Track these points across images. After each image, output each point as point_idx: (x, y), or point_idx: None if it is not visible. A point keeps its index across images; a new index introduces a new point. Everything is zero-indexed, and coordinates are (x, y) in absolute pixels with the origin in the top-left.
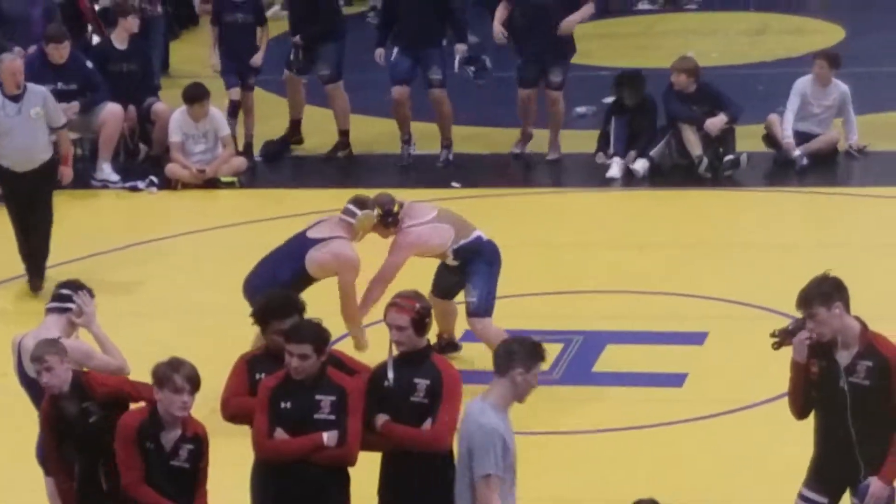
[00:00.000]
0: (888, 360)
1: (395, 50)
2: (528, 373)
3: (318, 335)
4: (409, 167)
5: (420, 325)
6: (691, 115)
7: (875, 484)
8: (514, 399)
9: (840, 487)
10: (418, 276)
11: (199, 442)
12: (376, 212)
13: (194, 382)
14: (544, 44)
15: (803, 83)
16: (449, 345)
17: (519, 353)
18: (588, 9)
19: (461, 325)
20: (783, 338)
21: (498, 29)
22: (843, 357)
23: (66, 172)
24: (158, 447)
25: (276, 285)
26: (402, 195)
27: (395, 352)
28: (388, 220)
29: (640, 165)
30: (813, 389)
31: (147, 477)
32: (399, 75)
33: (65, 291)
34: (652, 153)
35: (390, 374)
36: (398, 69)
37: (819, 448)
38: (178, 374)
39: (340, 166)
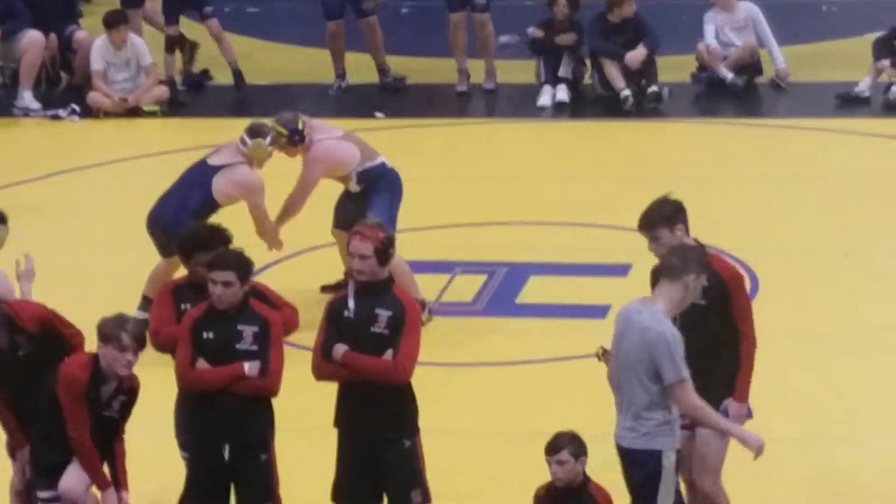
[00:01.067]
0: (725, 280)
1: None
2: (698, 279)
3: (241, 263)
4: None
5: (383, 254)
6: (611, 50)
7: (732, 405)
8: (681, 305)
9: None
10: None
11: (132, 394)
12: (271, 136)
13: (140, 341)
14: None
15: (711, 14)
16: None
17: (693, 260)
18: None
19: None
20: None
21: None
22: None
23: None
24: (97, 398)
25: (185, 214)
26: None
27: (355, 282)
28: (295, 139)
29: (563, 93)
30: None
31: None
32: (332, 9)
33: None
34: (575, 75)
35: (350, 304)
36: (330, 2)
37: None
38: (124, 333)
39: (265, 96)
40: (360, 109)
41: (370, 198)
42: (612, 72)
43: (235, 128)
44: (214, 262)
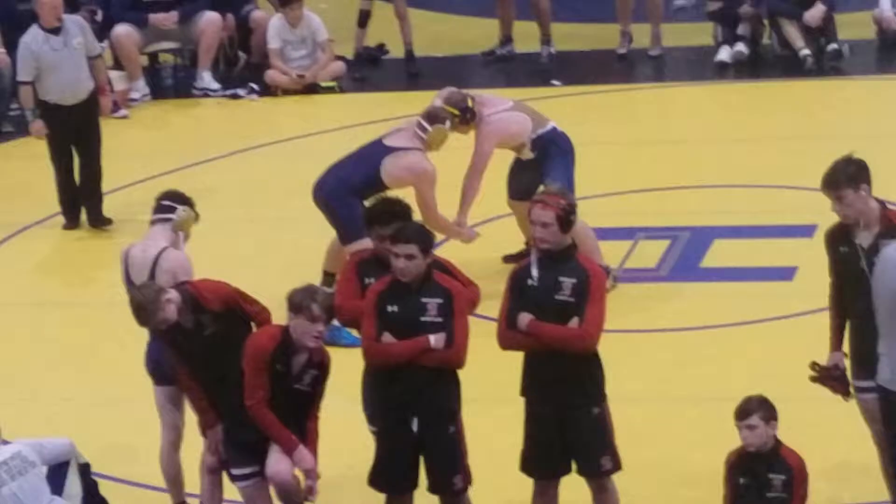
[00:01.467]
0: None
1: None
2: None
3: (423, 235)
4: (510, 64)
5: (565, 221)
6: (789, 10)
7: None
8: None
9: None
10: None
11: (323, 368)
12: (449, 120)
13: (330, 312)
14: None
15: None
16: None
17: None
18: None
19: None
20: (824, 381)
21: None
22: (864, 238)
23: (105, 103)
24: (287, 370)
25: (348, 189)
26: (504, 94)
27: (537, 250)
28: (467, 117)
29: (743, 49)
30: (836, 277)
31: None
32: None
33: (166, 203)
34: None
35: (534, 272)
36: None
37: (853, 333)
38: (315, 303)
39: (438, 67)
40: (533, 79)
41: (545, 164)
42: (791, 31)
43: (412, 101)
44: (396, 235)
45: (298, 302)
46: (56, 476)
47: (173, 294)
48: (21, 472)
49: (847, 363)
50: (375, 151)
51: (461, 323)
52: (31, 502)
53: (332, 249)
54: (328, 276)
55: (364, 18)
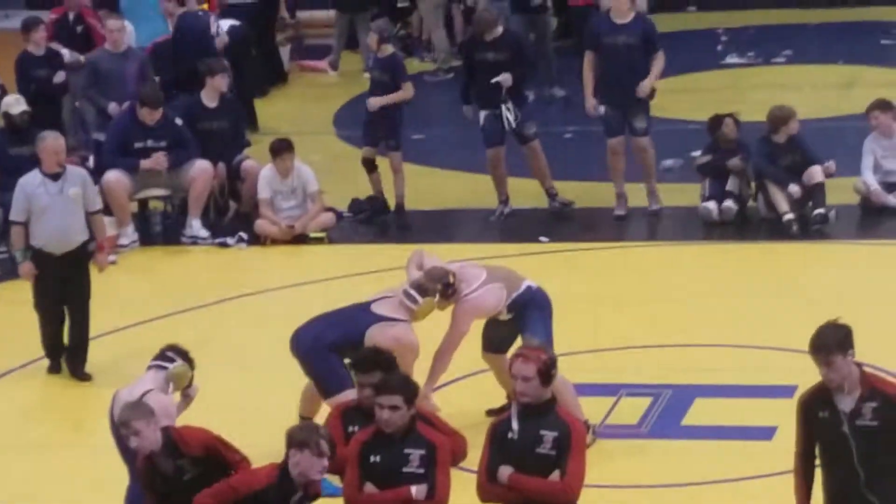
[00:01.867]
0: (893, 400)
1: (482, 113)
2: None
3: (407, 387)
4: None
5: (546, 375)
6: (777, 175)
7: None
8: None
9: None
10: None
11: (315, 499)
12: (439, 294)
13: (333, 448)
14: (626, 92)
15: (869, 142)
16: None
17: None
18: (660, 62)
19: None
20: None
21: (591, 103)
22: (846, 402)
23: (102, 260)
24: None
25: (326, 346)
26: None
27: (517, 404)
28: (448, 293)
29: (728, 204)
30: (807, 443)
31: None
32: (492, 137)
33: (169, 353)
34: (741, 193)
35: (514, 425)
36: (489, 131)
37: (830, 495)
38: (322, 439)
39: (431, 222)
40: (524, 234)
41: (523, 320)
42: (777, 195)
43: (402, 254)
44: (381, 386)
45: (305, 438)
46: None
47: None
48: None
49: None
50: (362, 317)
51: (443, 475)
52: None
53: (306, 393)
54: (303, 420)
55: (370, 166)
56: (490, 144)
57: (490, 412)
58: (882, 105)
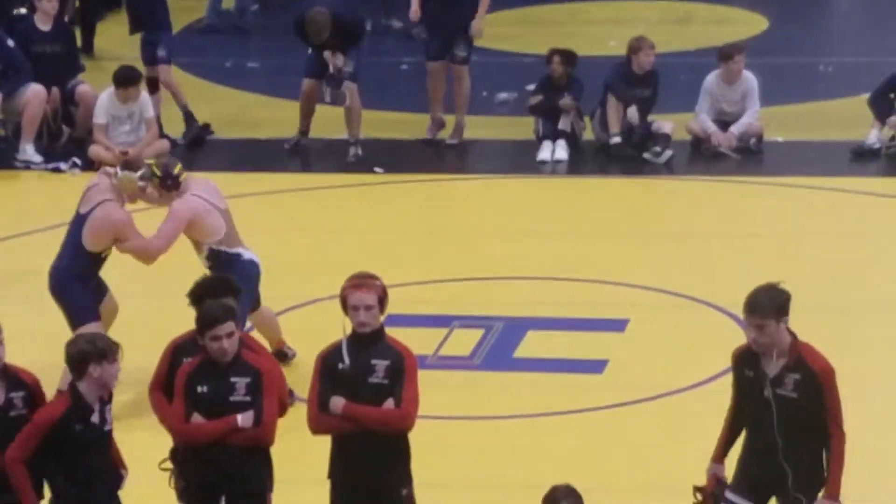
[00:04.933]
0: (816, 374)
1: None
2: None
3: (234, 312)
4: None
5: (384, 301)
6: (623, 93)
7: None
8: None
9: (766, 494)
10: None
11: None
12: (144, 171)
13: (119, 349)
14: (449, 21)
15: (710, 83)
16: (279, 353)
17: None
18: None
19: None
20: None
21: (415, 8)
22: (771, 368)
23: None
24: (88, 426)
25: (71, 272)
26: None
27: (350, 333)
28: (168, 183)
29: (563, 150)
30: (736, 396)
31: (85, 454)
32: (311, 69)
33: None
34: (574, 129)
35: (346, 357)
36: (311, 62)
37: (745, 453)
38: (112, 343)
39: (257, 150)
40: (360, 165)
41: None
42: (613, 115)
43: (236, 182)
44: (213, 318)
45: (103, 348)
46: None
47: None
48: None
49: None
50: (77, 225)
51: (270, 401)
52: None
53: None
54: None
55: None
56: (308, 75)
57: None
58: (740, 50)
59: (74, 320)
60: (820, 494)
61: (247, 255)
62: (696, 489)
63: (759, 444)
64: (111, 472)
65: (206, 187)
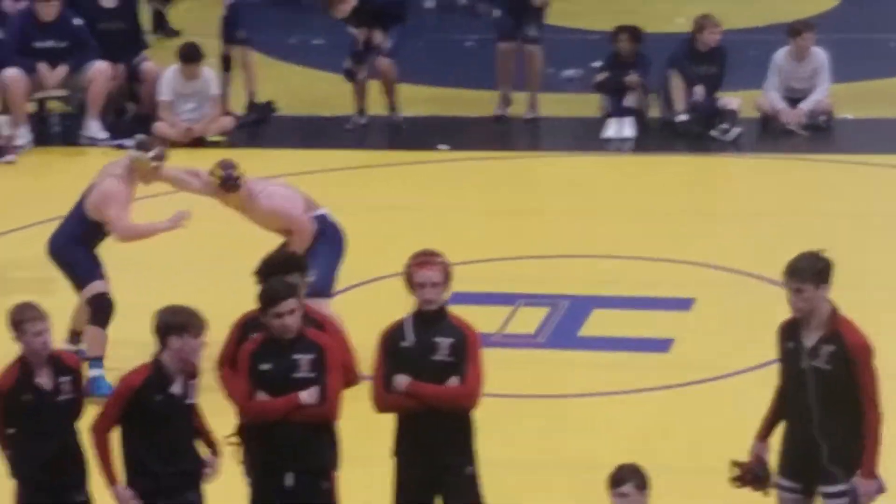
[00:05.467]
0: (849, 348)
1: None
2: None
3: (297, 289)
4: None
5: (449, 279)
6: (686, 70)
7: (860, 482)
8: None
9: (807, 469)
10: None
11: (198, 377)
12: (156, 151)
13: (206, 324)
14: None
15: (779, 59)
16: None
17: None
18: None
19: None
20: (745, 481)
21: None
22: (809, 339)
23: None
24: (171, 396)
25: (72, 237)
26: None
27: (414, 311)
28: (229, 185)
29: (629, 127)
30: (781, 371)
31: (165, 426)
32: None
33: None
34: (640, 107)
35: (410, 335)
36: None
37: (785, 430)
38: (197, 318)
39: (321, 127)
40: (422, 142)
41: (311, 249)
42: (678, 92)
43: (297, 158)
44: (275, 295)
45: (185, 321)
46: None
47: None
48: None
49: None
50: (83, 195)
51: (334, 377)
52: None
53: (78, 309)
54: (73, 335)
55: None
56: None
57: None
58: (810, 27)
59: (79, 279)
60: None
61: (330, 216)
62: (735, 463)
63: (796, 416)
64: (192, 454)
65: (262, 180)
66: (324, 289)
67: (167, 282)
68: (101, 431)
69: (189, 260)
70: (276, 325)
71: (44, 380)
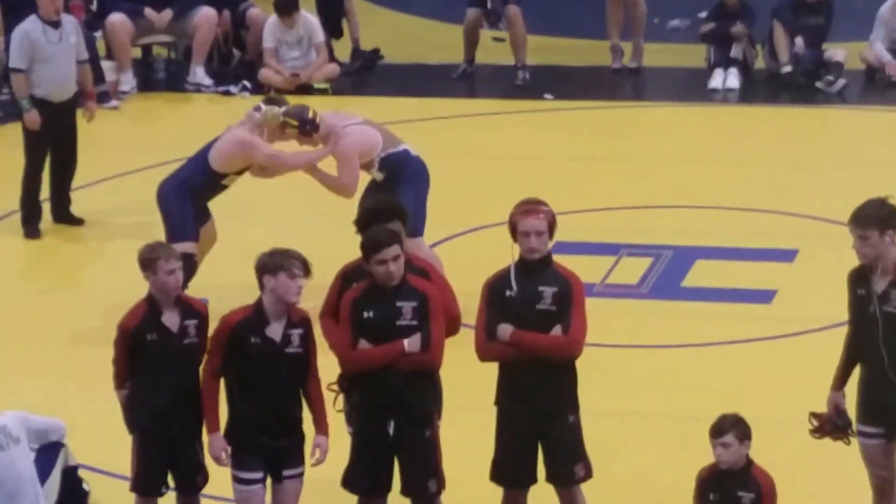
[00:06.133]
0: None
1: None
2: None
3: (395, 233)
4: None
5: (553, 228)
6: (789, 21)
7: None
8: None
9: (886, 413)
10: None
11: (306, 325)
12: (286, 118)
13: (307, 267)
14: None
15: (886, 11)
16: None
17: None
18: None
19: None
20: (824, 432)
21: None
22: (879, 284)
23: (92, 107)
24: (266, 339)
25: (183, 187)
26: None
27: (517, 260)
28: (307, 128)
29: (734, 78)
30: (852, 318)
31: (260, 370)
32: None
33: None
34: (746, 57)
35: (514, 284)
36: None
37: (860, 378)
38: (293, 260)
39: (426, 76)
40: (530, 91)
41: (396, 188)
42: (782, 44)
43: (405, 107)
44: (377, 243)
45: (278, 262)
46: (45, 460)
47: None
48: (1, 446)
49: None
50: (207, 145)
51: (437, 325)
52: (8, 480)
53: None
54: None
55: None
56: (471, 3)
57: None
58: None
59: (173, 234)
60: None
61: (412, 150)
62: (813, 415)
63: (869, 362)
64: (290, 404)
65: (336, 114)
66: (415, 229)
67: (279, 230)
68: (208, 373)
69: (301, 209)
70: (380, 273)
71: (171, 320)
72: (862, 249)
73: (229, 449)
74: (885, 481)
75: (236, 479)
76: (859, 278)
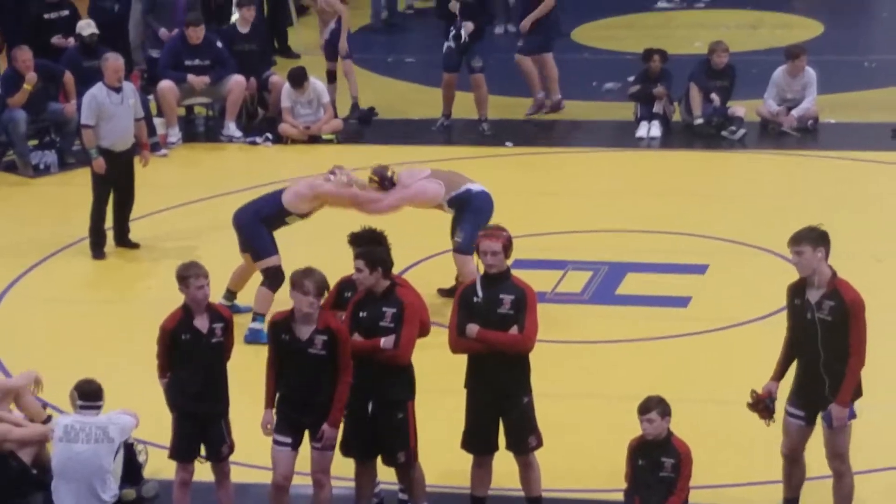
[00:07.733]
0: (846, 303)
1: (446, 43)
2: None
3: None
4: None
5: (509, 249)
6: (703, 82)
7: (835, 408)
8: None
9: (812, 401)
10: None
11: (330, 333)
12: (371, 175)
13: (321, 287)
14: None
15: (779, 76)
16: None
17: None
18: (547, 3)
19: None
20: (757, 409)
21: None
22: (814, 295)
23: (146, 156)
24: (294, 338)
25: (258, 214)
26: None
27: (482, 273)
28: (385, 185)
29: (656, 128)
30: (789, 323)
31: (289, 363)
32: (449, 63)
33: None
34: (665, 112)
35: (479, 292)
36: (448, 57)
37: (797, 370)
38: (307, 280)
39: (412, 128)
40: (494, 140)
41: (458, 216)
42: (696, 100)
43: (395, 153)
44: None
45: (295, 279)
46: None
47: None
48: (97, 439)
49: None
50: (279, 189)
51: (409, 329)
52: (90, 470)
53: (237, 271)
54: (230, 293)
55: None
56: (447, 69)
57: (441, 291)
58: (804, 51)
59: (260, 252)
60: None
61: (475, 188)
62: (754, 392)
63: (806, 357)
64: (314, 395)
65: (410, 172)
66: (466, 248)
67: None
68: (268, 364)
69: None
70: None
71: (201, 324)
72: (799, 263)
73: (274, 421)
74: (796, 452)
75: (273, 441)
76: (796, 290)
